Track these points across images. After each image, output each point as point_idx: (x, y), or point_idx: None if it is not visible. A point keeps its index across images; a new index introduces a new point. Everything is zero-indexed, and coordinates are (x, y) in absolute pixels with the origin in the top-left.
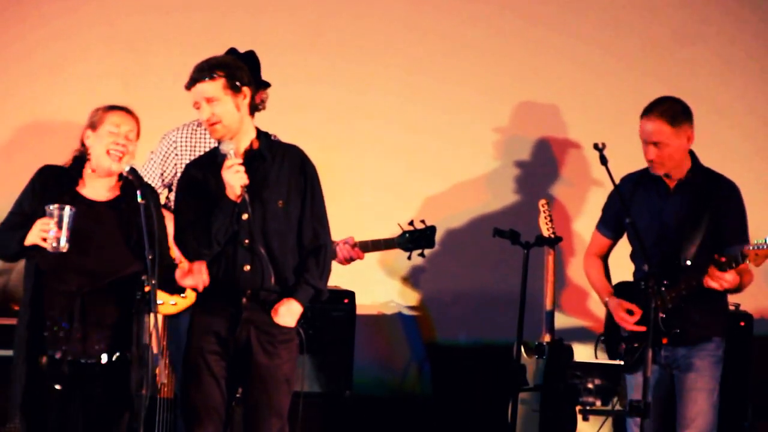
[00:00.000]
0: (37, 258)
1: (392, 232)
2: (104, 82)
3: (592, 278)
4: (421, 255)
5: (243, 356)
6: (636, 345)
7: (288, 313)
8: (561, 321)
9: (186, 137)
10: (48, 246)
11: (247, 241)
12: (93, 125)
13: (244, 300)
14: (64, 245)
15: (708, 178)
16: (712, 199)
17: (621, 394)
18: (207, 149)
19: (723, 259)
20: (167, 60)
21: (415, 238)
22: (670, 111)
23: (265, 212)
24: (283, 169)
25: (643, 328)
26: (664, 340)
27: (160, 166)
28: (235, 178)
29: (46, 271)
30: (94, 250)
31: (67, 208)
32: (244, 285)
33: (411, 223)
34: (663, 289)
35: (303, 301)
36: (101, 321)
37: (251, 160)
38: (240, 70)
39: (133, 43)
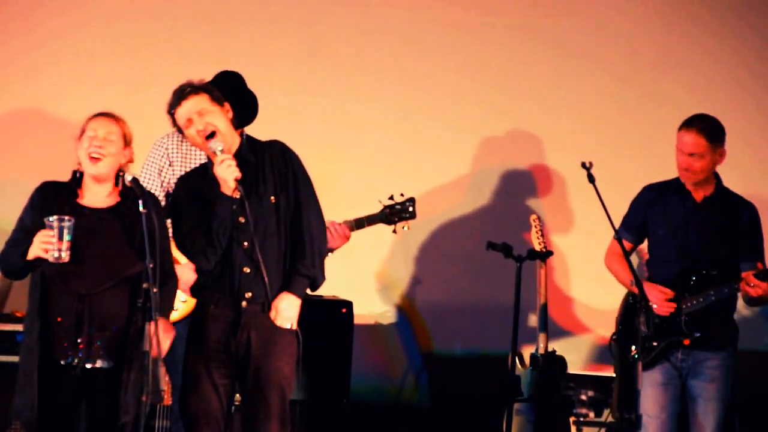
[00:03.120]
0: (43, 266)
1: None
2: (107, 87)
3: (616, 268)
4: (405, 228)
5: (243, 360)
6: (654, 344)
7: (288, 308)
8: (553, 332)
9: (175, 145)
10: (50, 257)
11: (246, 244)
12: (79, 134)
13: (243, 303)
14: (65, 255)
15: (731, 198)
16: (737, 219)
17: (613, 406)
18: (199, 156)
19: (761, 268)
20: (170, 67)
21: (396, 211)
22: (710, 128)
23: (260, 212)
24: (266, 165)
25: (671, 309)
26: (686, 342)
27: (158, 176)
28: (227, 172)
29: (52, 278)
30: (98, 253)
31: (67, 218)
32: (244, 288)
33: (391, 198)
34: (686, 294)
35: (299, 293)
36: (107, 325)
37: (239, 167)
38: (216, 89)
39: (137, 49)
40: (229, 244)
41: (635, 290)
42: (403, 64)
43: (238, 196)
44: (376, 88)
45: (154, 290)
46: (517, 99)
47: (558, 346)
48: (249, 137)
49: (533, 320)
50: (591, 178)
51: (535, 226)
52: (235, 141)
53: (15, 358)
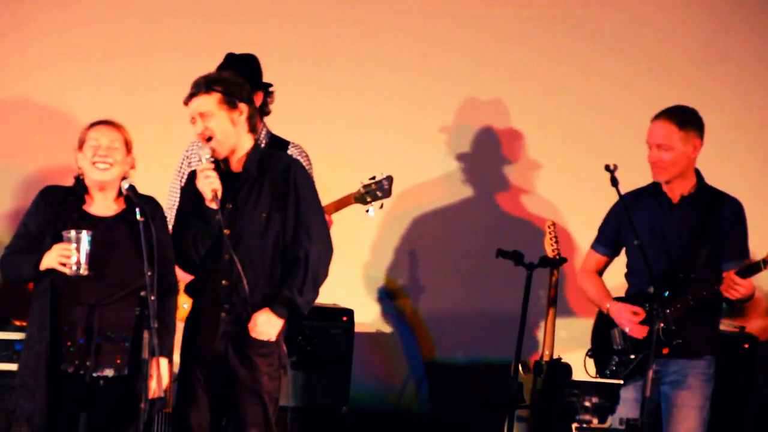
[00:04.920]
0: (52, 275)
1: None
2: (105, 89)
3: (590, 289)
4: (380, 207)
5: (223, 370)
6: (632, 357)
7: (265, 323)
8: (560, 338)
9: (190, 153)
10: (67, 270)
11: (227, 256)
12: (79, 145)
13: (222, 314)
14: (84, 269)
15: (713, 195)
16: (717, 216)
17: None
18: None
19: (745, 264)
20: (169, 68)
21: (371, 191)
22: (680, 115)
23: (248, 227)
24: (266, 181)
25: (644, 332)
26: (665, 351)
27: (179, 182)
28: (204, 184)
29: (62, 287)
30: (108, 263)
31: (84, 232)
32: (223, 299)
33: (373, 178)
34: (666, 301)
35: (280, 314)
36: (116, 335)
37: (238, 176)
38: (238, 87)
39: (134, 47)
40: (214, 255)
41: (604, 306)
42: (415, 61)
43: (215, 207)
44: (386, 86)
45: (152, 298)
46: (540, 97)
47: (565, 353)
48: (265, 146)
49: (539, 328)
50: (614, 182)
51: (550, 233)
52: (242, 146)
53: (12, 367)
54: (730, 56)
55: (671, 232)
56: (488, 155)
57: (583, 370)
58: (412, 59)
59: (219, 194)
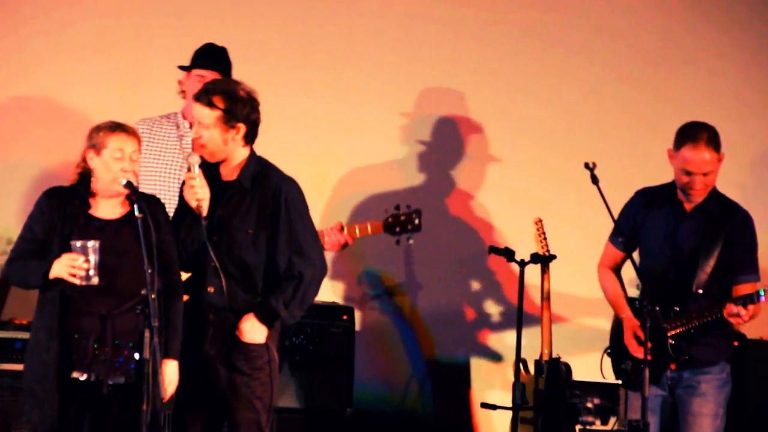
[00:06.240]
0: (62, 284)
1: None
2: (99, 87)
3: (609, 293)
4: (409, 239)
5: (216, 373)
6: (643, 366)
7: (251, 330)
8: (558, 338)
9: (145, 130)
10: (77, 281)
11: (213, 264)
12: (95, 147)
13: (210, 316)
14: (94, 279)
15: (724, 205)
16: (727, 228)
17: (620, 414)
18: (164, 141)
19: (740, 296)
20: (162, 67)
21: (401, 222)
22: (714, 140)
23: (234, 239)
24: (256, 198)
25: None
26: (672, 366)
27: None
28: (189, 193)
29: (73, 297)
30: (118, 272)
31: (93, 242)
32: (209, 305)
33: (397, 208)
34: (672, 314)
35: (264, 321)
36: (125, 343)
37: (230, 185)
38: (241, 105)
39: (124, 48)
40: (203, 261)
41: (621, 315)
42: (395, 63)
43: (198, 215)
44: (369, 87)
45: (152, 296)
46: (514, 99)
47: (563, 352)
48: (261, 159)
49: (538, 326)
50: (595, 179)
51: (538, 229)
52: (236, 157)
53: (12, 366)
54: (694, 57)
55: (682, 241)
56: (477, 156)
57: (599, 368)
58: (391, 62)
59: (204, 204)
